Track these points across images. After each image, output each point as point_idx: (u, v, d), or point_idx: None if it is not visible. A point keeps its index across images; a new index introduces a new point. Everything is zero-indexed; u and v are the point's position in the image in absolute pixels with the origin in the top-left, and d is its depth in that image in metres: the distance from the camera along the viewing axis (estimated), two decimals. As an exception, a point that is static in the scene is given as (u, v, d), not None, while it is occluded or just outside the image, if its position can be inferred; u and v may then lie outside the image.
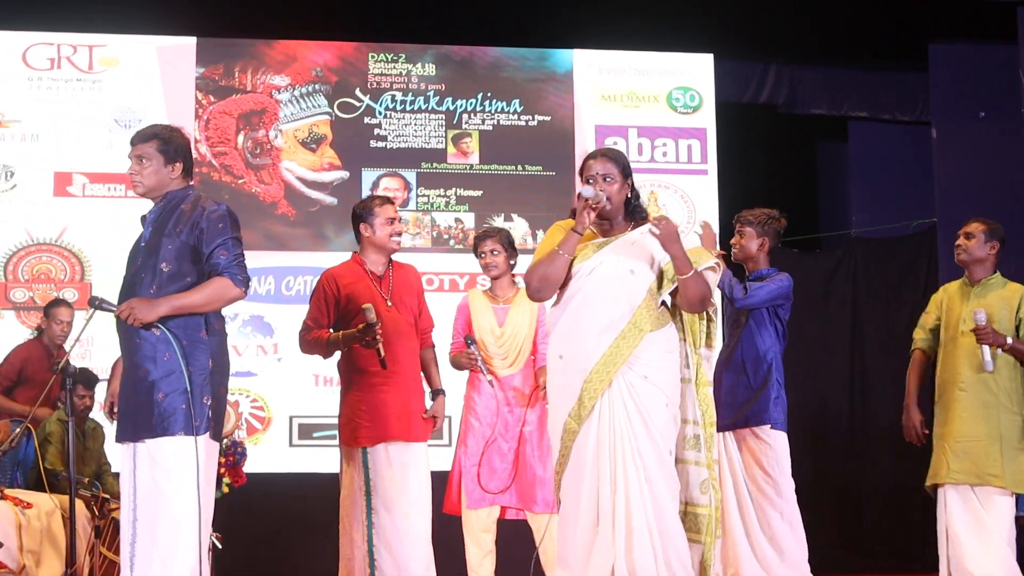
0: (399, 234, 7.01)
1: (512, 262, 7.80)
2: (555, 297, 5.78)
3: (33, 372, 8.99)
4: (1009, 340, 7.21)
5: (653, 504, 5.44)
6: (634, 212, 5.80)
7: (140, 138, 5.79)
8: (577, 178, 10.03)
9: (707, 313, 5.77)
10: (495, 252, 7.74)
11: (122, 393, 5.61)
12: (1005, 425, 7.24)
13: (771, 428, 7.03)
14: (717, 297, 6.02)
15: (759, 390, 7.05)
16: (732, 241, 7.30)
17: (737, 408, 7.08)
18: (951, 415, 7.29)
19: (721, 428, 7.12)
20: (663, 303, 5.68)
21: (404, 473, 6.78)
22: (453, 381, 8.35)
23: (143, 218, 5.82)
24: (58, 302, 9.33)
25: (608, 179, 5.70)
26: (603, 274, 5.60)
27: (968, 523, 7.19)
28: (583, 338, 5.56)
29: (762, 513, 7.00)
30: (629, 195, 5.78)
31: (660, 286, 5.66)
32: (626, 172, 5.78)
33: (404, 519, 6.72)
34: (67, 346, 8.84)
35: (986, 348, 7.16)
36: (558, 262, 5.62)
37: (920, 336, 7.55)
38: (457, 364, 7.76)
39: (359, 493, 6.74)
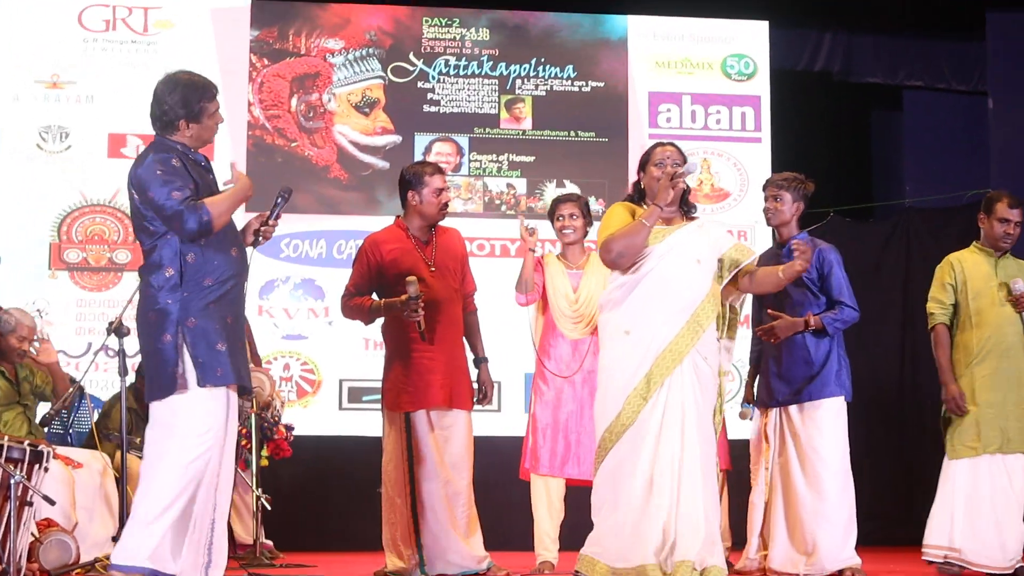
0: (446, 205, 7.00)
1: (587, 229, 7.70)
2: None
3: None
4: None
5: (703, 474, 5.79)
6: (685, 203, 6.12)
7: None
8: (631, 147, 10.01)
9: (733, 306, 6.17)
10: (574, 216, 7.64)
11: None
12: None
13: (839, 399, 7.07)
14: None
15: (822, 365, 7.05)
16: (768, 206, 7.23)
17: (797, 384, 7.07)
18: (996, 382, 7.32)
19: (779, 403, 7.12)
20: None
21: (446, 439, 6.81)
22: (505, 346, 8.37)
23: (207, 161, 5.76)
24: None
25: (677, 165, 6.01)
26: (675, 259, 5.91)
27: (1007, 492, 7.26)
28: (656, 318, 5.86)
29: (818, 483, 6.97)
30: (684, 186, 6.06)
31: (721, 276, 6.04)
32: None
33: (446, 484, 6.75)
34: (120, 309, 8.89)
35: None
36: (643, 232, 5.88)
37: (941, 311, 7.49)
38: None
39: (401, 458, 6.77)
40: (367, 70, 10.93)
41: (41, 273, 10.31)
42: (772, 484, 7.11)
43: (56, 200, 10.41)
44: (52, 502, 5.96)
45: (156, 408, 5.45)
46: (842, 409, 7.09)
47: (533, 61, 11.10)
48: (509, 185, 10.92)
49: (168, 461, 5.37)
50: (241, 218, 5.80)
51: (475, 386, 7.10)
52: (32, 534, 6.33)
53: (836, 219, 11.03)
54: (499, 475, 8.41)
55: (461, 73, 11.02)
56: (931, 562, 7.37)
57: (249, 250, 5.69)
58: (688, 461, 5.76)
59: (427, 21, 11.05)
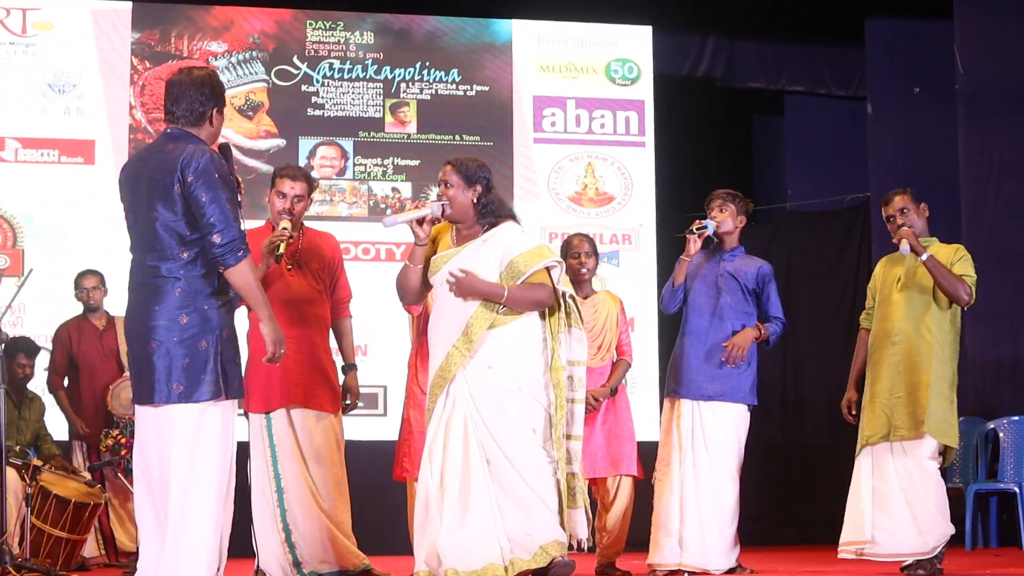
0: (287, 210, 6.75)
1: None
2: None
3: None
4: (928, 254, 7.14)
5: (497, 481, 5.80)
6: (485, 215, 6.05)
7: None
8: (515, 151, 10.08)
9: (563, 303, 6.05)
10: (589, 254, 7.56)
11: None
12: (936, 374, 7.21)
13: (746, 406, 7.30)
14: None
15: (744, 370, 7.25)
16: (715, 215, 7.35)
17: (719, 382, 7.20)
18: (881, 372, 7.26)
19: (696, 398, 7.23)
20: None
21: (308, 440, 6.72)
22: (389, 350, 8.34)
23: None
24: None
25: (448, 185, 6.02)
26: (446, 285, 5.96)
27: (908, 480, 7.18)
28: (435, 343, 6.03)
29: (718, 483, 7.16)
30: (476, 200, 6.02)
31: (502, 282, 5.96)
32: (470, 179, 6.02)
33: (312, 487, 6.68)
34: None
35: (904, 242, 7.11)
36: (407, 272, 6.12)
37: (864, 316, 7.42)
38: None
39: (265, 460, 6.70)
40: (250, 73, 10.86)
41: (-84, 278, 10.13)
42: (682, 482, 7.21)
43: (-69, 204, 10.23)
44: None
45: (179, 412, 5.15)
46: (748, 417, 7.32)
47: (418, 65, 11.09)
48: (394, 189, 10.90)
49: (210, 468, 5.16)
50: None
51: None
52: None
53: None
54: (383, 478, 8.38)
55: (345, 77, 10.98)
56: (849, 559, 7.27)
57: None
58: (453, 473, 5.79)
59: (311, 24, 11.00)
